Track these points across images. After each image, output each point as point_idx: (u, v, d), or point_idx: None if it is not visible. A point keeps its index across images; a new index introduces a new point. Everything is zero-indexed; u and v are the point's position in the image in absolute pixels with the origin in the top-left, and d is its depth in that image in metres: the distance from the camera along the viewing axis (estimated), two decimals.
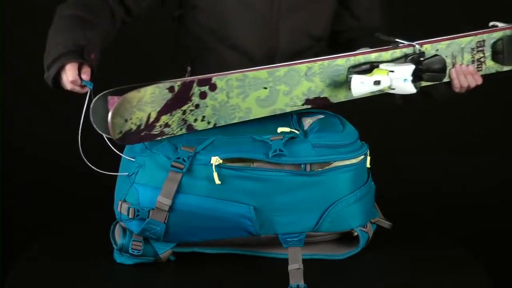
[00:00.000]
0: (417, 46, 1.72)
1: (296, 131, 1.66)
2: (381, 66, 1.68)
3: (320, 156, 1.63)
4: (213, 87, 1.63)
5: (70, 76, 1.58)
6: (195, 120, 1.64)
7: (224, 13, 1.79)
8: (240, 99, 1.66)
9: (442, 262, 1.73)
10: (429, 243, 1.83)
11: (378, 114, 2.62)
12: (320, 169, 1.63)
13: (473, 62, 1.79)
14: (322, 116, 1.74)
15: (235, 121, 1.67)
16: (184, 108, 1.62)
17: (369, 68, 1.69)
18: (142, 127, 1.60)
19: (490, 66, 1.82)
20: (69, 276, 1.65)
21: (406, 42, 1.72)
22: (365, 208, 1.71)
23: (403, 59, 1.72)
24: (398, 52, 1.73)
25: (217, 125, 1.66)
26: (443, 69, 1.74)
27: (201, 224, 1.62)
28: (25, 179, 2.56)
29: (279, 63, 1.76)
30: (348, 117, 1.77)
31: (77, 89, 1.60)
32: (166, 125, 1.61)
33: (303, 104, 1.70)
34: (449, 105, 2.70)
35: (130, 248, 1.64)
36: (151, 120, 1.60)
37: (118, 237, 1.68)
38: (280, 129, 1.66)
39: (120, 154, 1.68)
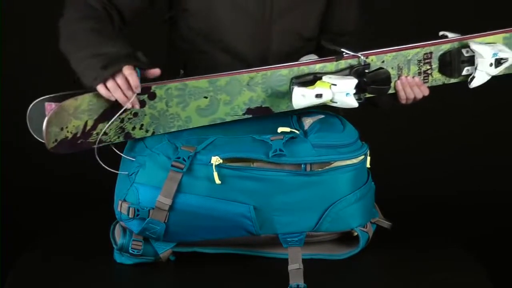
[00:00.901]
0: (362, 57, 1.70)
1: (296, 131, 1.66)
2: (324, 78, 1.65)
3: (320, 156, 1.63)
4: (152, 96, 1.62)
5: (129, 75, 1.55)
6: (133, 128, 1.63)
7: (216, 17, 1.78)
8: (179, 108, 1.64)
9: (442, 262, 1.73)
10: (429, 243, 1.82)
11: (378, 114, 2.61)
12: (320, 169, 1.64)
13: (419, 74, 1.76)
14: (322, 116, 1.74)
15: (174, 129, 1.66)
16: (122, 116, 1.60)
17: (312, 79, 1.67)
18: (79, 135, 1.58)
19: (437, 78, 1.79)
20: (69, 276, 1.65)
21: (351, 53, 1.70)
22: (365, 208, 1.71)
23: (348, 70, 1.70)
24: (343, 63, 1.70)
25: (155, 134, 1.65)
26: (387, 82, 1.71)
27: (201, 224, 1.62)
28: (25, 179, 2.55)
29: (272, 64, 1.76)
30: (348, 117, 1.77)
31: (125, 93, 1.57)
32: (104, 133, 1.60)
33: (244, 114, 1.68)
34: (450, 106, 2.72)
35: (130, 248, 1.64)
36: (88, 128, 1.58)
37: (118, 237, 1.68)
38: (280, 129, 1.66)
39: (120, 154, 1.68)
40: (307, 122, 1.71)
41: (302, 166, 1.62)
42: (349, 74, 1.69)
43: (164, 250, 1.65)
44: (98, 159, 1.61)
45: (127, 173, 1.65)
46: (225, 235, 1.65)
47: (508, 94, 2.78)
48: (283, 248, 1.65)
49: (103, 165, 1.62)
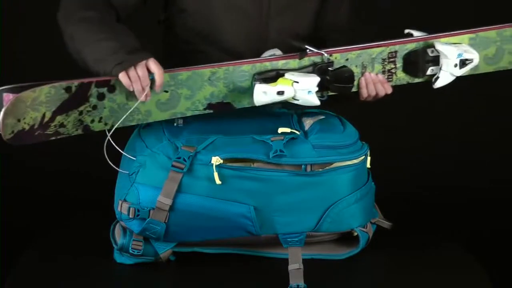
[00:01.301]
0: (325, 55, 1.68)
1: (297, 132, 1.66)
2: (287, 75, 1.64)
3: (321, 157, 1.63)
4: (111, 89, 1.59)
5: (157, 69, 1.55)
6: (92, 121, 1.60)
7: (213, 17, 1.78)
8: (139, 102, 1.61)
9: (442, 262, 1.73)
10: (429, 243, 1.82)
11: (378, 114, 2.61)
12: (320, 170, 1.64)
13: (383, 72, 1.74)
14: (322, 117, 1.74)
15: (134, 123, 1.63)
16: (81, 108, 1.57)
17: (274, 75, 1.65)
18: (36, 126, 1.54)
19: (401, 77, 1.77)
20: (69, 276, 1.65)
21: (315, 50, 1.68)
22: (365, 208, 1.71)
23: (311, 67, 1.69)
24: (306, 60, 1.68)
25: (114, 127, 1.62)
26: (350, 81, 1.70)
27: (201, 224, 1.62)
28: (25, 179, 2.55)
29: None
30: (348, 117, 1.77)
31: (143, 86, 1.57)
32: (61, 125, 1.57)
33: (205, 109, 1.66)
34: (450, 105, 2.72)
35: (130, 248, 1.64)
36: (46, 120, 1.55)
37: (118, 237, 1.68)
38: (280, 130, 1.66)
39: (121, 151, 1.68)
40: (308, 122, 1.71)
41: (303, 166, 1.62)
42: (312, 72, 1.68)
43: (164, 250, 1.65)
44: (106, 156, 1.60)
45: (127, 172, 1.65)
46: (225, 235, 1.65)
47: (508, 92, 2.78)
48: (283, 248, 1.65)
49: (110, 162, 1.62)
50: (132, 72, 1.55)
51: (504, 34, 1.80)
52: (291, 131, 1.66)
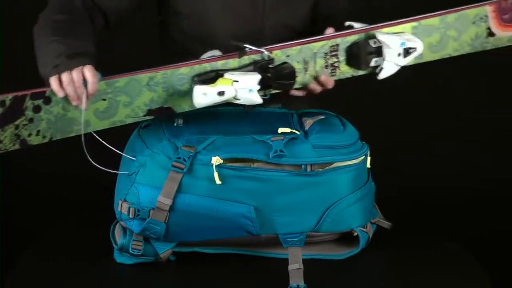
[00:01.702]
0: (266, 52, 1.65)
1: (297, 132, 1.66)
2: (226, 75, 1.60)
3: (321, 157, 1.63)
4: (47, 101, 1.54)
5: (91, 77, 1.53)
6: (29, 134, 1.55)
7: (208, 18, 1.78)
8: (77, 112, 1.57)
9: (442, 262, 1.73)
10: (429, 243, 1.82)
11: (379, 114, 2.62)
12: (320, 170, 1.63)
13: (326, 67, 1.71)
14: (322, 117, 1.74)
15: (73, 134, 1.58)
16: (17, 122, 1.53)
17: (214, 76, 1.62)
18: None
19: (345, 70, 1.73)
20: (69, 276, 1.65)
21: (254, 48, 1.64)
22: (365, 208, 1.71)
23: (252, 66, 1.65)
24: (246, 59, 1.65)
25: (53, 139, 1.58)
26: (292, 77, 1.67)
27: (201, 224, 1.62)
28: (25, 179, 2.56)
29: None
30: (349, 117, 1.77)
31: (77, 91, 1.54)
32: None
33: (145, 115, 1.63)
34: (450, 105, 2.72)
35: (130, 248, 1.64)
36: None
37: (118, 237, 1.68)
38: (280, 130, 1.65)
39: (121, 153, 1.68)
40: (308, 122, 1.71)
41: (303, 166, 1.62)
42: (253, 70, 1.65)
43: (164, 250, 1.65)
44: (89, 158, 1.60)
45: (127, 173, 1.65)
46: (225, 236, 1.65)
47: (507, 91, 2.79)
48: (283, 248, 1.65)
49: (97, 165, 1.60)
50: (65, 75, 1.53)
51: (447, 20, 1.77)
52: (291, 131, 1.65)
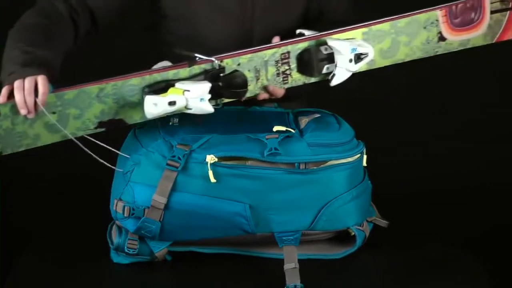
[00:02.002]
0: (216, 61, 1.64)
1: (292, 130, 1.66)
2: (177, 85, 1.59)
3: (316, 155, 1.63)
4: None
5: (42, 86, 1.51)
6: None
7: (197, 20, 1.78)
8: (27, 126, 1.55)
9: (440, 261, 1.72)
10: (427, 242, 1.81)
11: (375, 112, 2.61)
12: (315, 168, 1.63)
13: (278, 75, 1.70)
14: (318, 115, 1.73)
15: (22, 148, 1.57)
16: None
17: (165, 86, 1.60)
18: None
19: (297, 78, 1.72)
20: (68, 276, 1.65)
21: (205, 57, 1.63)
22: (361, 206, 1.70)
23: (203, 75, 1.64)
24: (197, 68, 1.63)
25: (3, 154, 1.56)
26: (244, 85, 1.65)
27: (196, 223, 1.62)
28: (22, 180, 2.56)
29: None
30: (345, 115, 1.76)
31: (25, 99, 1.51)
32: None
33: (96, 128, 1.61)
34: (449, 104, 2.71)
35: (125, 247, 1.64)
36: None
37: (115, 237, 1.68)
38: (276, 128, 1.65)
39: (117, 151, 1.68)
40: (303, 121, 1.71)
41: (296, 164, 1.62)
42: (204, 79, 1.63)
43: (160, 249, 1.64)
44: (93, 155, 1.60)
45: (122, 170, 1.65)
46: (221, 234, 1.64)
47: (507, 93, 2.78)
48: (279, 249, 1.64)
49: (99, 158, 1.61)
50: (18, 82, 1.51)
51: (398, 25, 1.76)
52: (286, 130, 1.65)
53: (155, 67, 1.65)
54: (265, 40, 1.76)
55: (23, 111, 1.52)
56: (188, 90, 1.57)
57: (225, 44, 1.76)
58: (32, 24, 1.64)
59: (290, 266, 1.59)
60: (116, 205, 1.62)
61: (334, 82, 1.71)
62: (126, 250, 1.64)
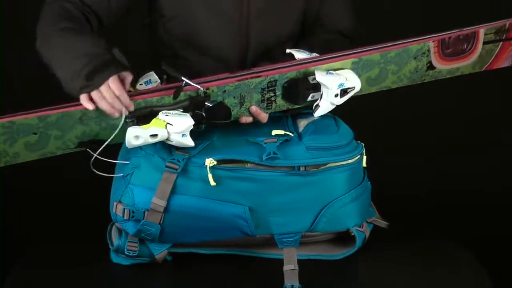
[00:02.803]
0: (201, 89, 1.61)
1: (291, 134, 1.66)
2: (160, 115, 1.57)
3: (314, 158, 1.63)
4: None
5: (118, 90, 1.54)
6: None
7: (194, 20, 1.77)
8: (7, 145, 1.55)
9: (440, 261, 1.73)
10: (427, 243, 1.82)
11: (375, 113, 2.61)
12: (315, 169, 1.63)
13: (262, 101, 1.69)
14: (317, 117, 1.73)
15: (1, 165, 1.57)
16: None
17: (148, 113, 1.58)
18: None
19: (281, 104, 1.71)
20: (68, 276, 1.66)
21: (191, 83, 1.61)
22: (361, 207, 1.70)
23: (187, 102, 1.62)
24: (182, 95, 1.61)
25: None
26: (227, 117, 1.65)
27: (196, 225, 1.62)
28: (23, 181, 2.56)
29: (250, 63, 1.76)
30: (344, 117, 1.76)
31: (112, 106, 1.55)
32: None
33: (76, 147, 1.61)
34: (447, 105, 2.71)
35: (126, 249, 1.64)
36: None
37: (115, 238, 1.68)
38: (274, 132, 1.65)
39: (115, 161, 1.68)
40: (302, 124, 1.71)
41: (295, 168, 1.62)
42: (189, 106, 1.62)
43: (160, 252, 1.65)
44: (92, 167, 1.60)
45: (122, 174, 1.65)
46: (221, 236, 1.65)
47: (506, 97, 2.78)
48: (279, 249, 1.65)
49: (96, 170, 1.61)
50: (95, 94, 1.54)
51: (388, 56, 1.75)
52: (285, 133, 1.65)
53: (141, 79, 1.65)
54: (262, 42, 1.77)
55: (117, 115, 1.56)
56: (171, 124, 1.57)
57: (220, 45, 1.77)
58: (56, 28, 1.63)
59: (290, 267, 1.60)
60: (116, 208, 1.63)
61: (317, 113, 1.71)
62: (126, 252, 1.65)
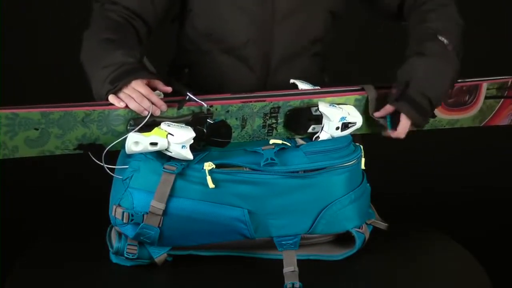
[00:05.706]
0: (205, 105, 1.63)
1: (288, 144, 1.67)
2: (162, 125, 1.58)
3: (313, 162, 1.63)
4: None
5: (144, 91, 1.57)
6: None
7: (219, 17, 1.78)
8: (7, 137, 1.54)
9: (439, 262, 1.73)
10: (426, 244, 1.82)
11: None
12: (313, 172, 1.63)
13: (264, 127, 1.71)
14: None
15: None
16: None
17: (151, 123, 1.59)
18: None
19: (281, 132, 1.73)
20: (68, 276, 1.66)
21: (195, 99, 1.63)
22: (360, 209, 1.70)
23: (190, 116, 1.63)
24: (185, 109, 1.64)
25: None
26: (228, 136, 1.65)
27: (195, 228, 1.62)
28: (23, 182, 2.57)
29: (275, 65, 1.76)
30: None
31: (144, 105, 1.57)
32: None
33: (75, 149, 1.60)
34: None
35: (125, 252, 1.64)
36: None
37: (114, 240, 1.68)
38: (272, 141, 1.66)
39: (114, 166, 1.68)
40: (300, 142, 1.72)
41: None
42: (191, 120, 1.63)
43: (159, 255, 1.65)
44: (100, 162, 1.61)
45: (121, 177, 1.65)
46: (220, 239, 1.65)
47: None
48: (279, 251, 1.65)
49: (103, 165, 1.62)
50: (121, 94, 1.58)
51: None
52: (282, 143, 1.66)
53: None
54: (287, 43, 1.78)
55: (146, 113, 1.57)
56: (172, 135, 1.57)
57: (243, 43, 1.78)
58: (97, 39, 1.66)
59: (289, 269, 1.60)
60: (115, 211, 1.62)
61: None
62: (126, 255, 1.65)
